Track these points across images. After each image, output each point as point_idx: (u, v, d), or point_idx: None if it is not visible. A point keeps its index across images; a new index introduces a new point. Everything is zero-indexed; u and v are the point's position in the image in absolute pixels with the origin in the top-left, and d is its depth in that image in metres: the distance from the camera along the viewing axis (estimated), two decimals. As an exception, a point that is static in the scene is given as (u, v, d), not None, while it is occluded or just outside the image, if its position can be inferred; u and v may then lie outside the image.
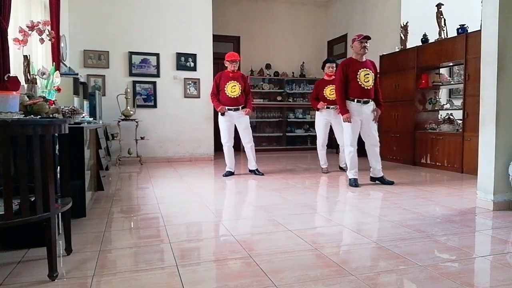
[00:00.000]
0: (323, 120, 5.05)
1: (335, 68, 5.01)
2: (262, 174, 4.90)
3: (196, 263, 1.97)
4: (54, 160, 1.94)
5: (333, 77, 4.99)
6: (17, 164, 1.67)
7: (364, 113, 4.06)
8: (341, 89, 4.06)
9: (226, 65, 4.81)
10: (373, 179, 4.25)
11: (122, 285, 1.69)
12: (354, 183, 4.09)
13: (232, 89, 4.71)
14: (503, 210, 3.02)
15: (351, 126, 4.06)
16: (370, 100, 4.08)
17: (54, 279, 1.73)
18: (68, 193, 2.13)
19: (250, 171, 5.01)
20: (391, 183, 4.16)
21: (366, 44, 4.01)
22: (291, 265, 1.91)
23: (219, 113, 4.78)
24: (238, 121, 4.80)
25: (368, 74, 4.03)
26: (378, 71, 4.24)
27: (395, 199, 3.48)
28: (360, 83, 3.99)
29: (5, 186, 1.59)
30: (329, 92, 4.96)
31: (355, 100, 4.03)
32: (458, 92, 6.30)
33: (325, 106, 4.95)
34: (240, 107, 4.77)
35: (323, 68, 5.17)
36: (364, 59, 4.09)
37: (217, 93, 4.78)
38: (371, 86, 4.04)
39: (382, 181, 4.18)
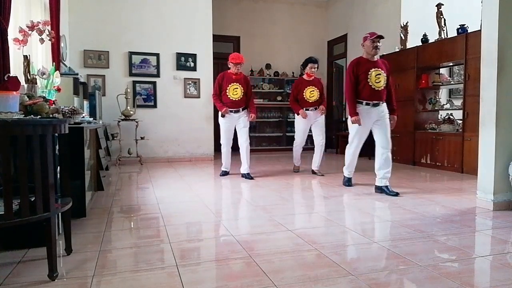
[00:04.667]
0: (304, 122, 4.98)
1: (316, 69, 4.97)
2: (252, 178, 4.65)
3: (196, 263, 1.97)
4: (54, 160, 1.94)
5: (313, 77, 4.97)
6: (17, 164, 1.67)
7: (374, 115, 3.76)
8: (351, 91, 3.78)
9: (229, 66, 4.69)
10: (378, 188, 3.78)
11: (122, 285, 1.69)
12: (347, 182, 4.08)
13: (234, 91, 4.62)
14: (503, 210, 3.02)
15: (359, 130, 3.82)
16: (381, 102, 3.78)
17: (54, 279, 1.73)
18: (68, 193, 2.12)
19: (242, 175, 4.75)
20: (396, 194, 3.64)
21: (378, 44, 3.72)
22: (291, 265, 1.91)
23: (220, 114, 4.73)
24: (238, 121, 4.73)
25: (380, 74, 3.74)
26: (390, 71, 3.96)
27: (395, 199, 3.48)
28: (370, 83, 3.71)
29: (5, 186, 1.59)
30: (309, 94, 4.89)
31: (364, 103, 3.75)
32: (458, 92, 6.29)
33: (305, 109, 4.91)
34: (241, 109, 4.70)
35: (304, 67, 5.00)
36: (375, 59, 3.81)
37: (219, 94, 4.70)
38: (382, 87, 3.75)
39: (386, 191, 3.69)
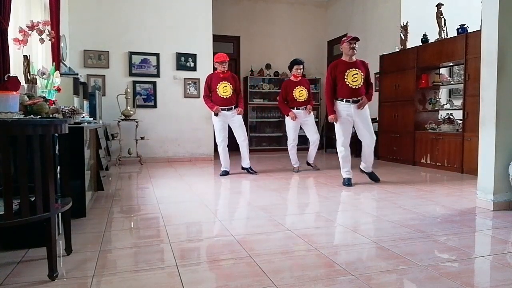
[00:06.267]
0: (293, 121, 5.13)
1: (302, 70, 5.15)
2: (255, 173, 5.00)
3: (196, 263, 1.97)
4: (54, 160, 1.94)
5: (300, 78, 5.17)
6: (17, 164, 1.67)
7: (354, 111, 4.06)
8: (328, 92, 4.13)
9: (215, 66, 4.87)
10: (362, 171, 4.41)
11: (122, 285, 1.69)
12: (347, 182, 4.12)
13: (224, 89, 4.77)
14: (503, 210, 3.02)
15: (341, 127, 4.11)
16: (360, 99, 4.08)
17: (54, 279, 1.73)
18: (68, 193, 2.12)
19: (243, 168, 5.08)
20: (377, 180, 4.29)
21: (354, 45, 4.03)
22: (291, 265, 1.91)
23: (213, 114, 4.85)
24: (232, 120, 4.88)
25: (357, 74, 4.04)
26: (369, 70, 4.28)
27: (395, 199, 3.48)
28: (347, 83, 4.02)
29: (5, 186, 1.59)
30: (298, 94, 5.07)
31: (344, 100, 4.06)
32: (458, 92, 6.29)
33: (295, 108, 5.07)
34: (233, 106, 4.85)
35: (290, 69, 5.20)
36: (354, 60, 4.10)
37: (209, 95, 4.86)
38: (360, 86, 4.05)
39: (370, 176, 4.34)
